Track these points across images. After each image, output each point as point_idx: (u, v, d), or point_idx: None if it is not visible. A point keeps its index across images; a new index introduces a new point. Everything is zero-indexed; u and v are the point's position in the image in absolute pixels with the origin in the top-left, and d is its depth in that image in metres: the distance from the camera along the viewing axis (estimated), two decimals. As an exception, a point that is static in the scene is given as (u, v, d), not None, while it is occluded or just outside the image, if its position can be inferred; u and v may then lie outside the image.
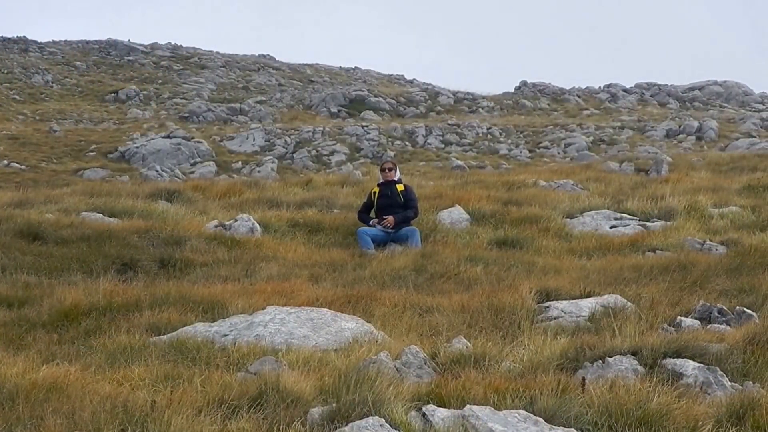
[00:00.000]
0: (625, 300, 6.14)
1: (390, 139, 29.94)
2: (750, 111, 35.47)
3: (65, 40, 51.48)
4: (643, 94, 39.68)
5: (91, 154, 26.90)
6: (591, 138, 30.03)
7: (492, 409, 3.48)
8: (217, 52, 52.94)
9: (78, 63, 45.46)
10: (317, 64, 55.29)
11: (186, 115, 34.96)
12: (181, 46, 52.52)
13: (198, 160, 26.58)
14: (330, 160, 27.37)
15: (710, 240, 8.94)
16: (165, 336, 5.20)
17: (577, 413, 3.48)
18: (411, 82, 49.58)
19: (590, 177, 14.90)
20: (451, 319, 5.76)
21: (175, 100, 38.59)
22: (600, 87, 41.03)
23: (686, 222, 9.97)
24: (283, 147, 28.73)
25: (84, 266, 7.40)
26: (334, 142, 29.19)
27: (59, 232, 8.36)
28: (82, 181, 20.52)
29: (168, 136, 28.52)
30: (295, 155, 28.00)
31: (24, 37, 49.61)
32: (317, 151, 28.28)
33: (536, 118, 35.15)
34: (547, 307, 6.13)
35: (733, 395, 3.77)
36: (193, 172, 24.71)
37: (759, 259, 7.20)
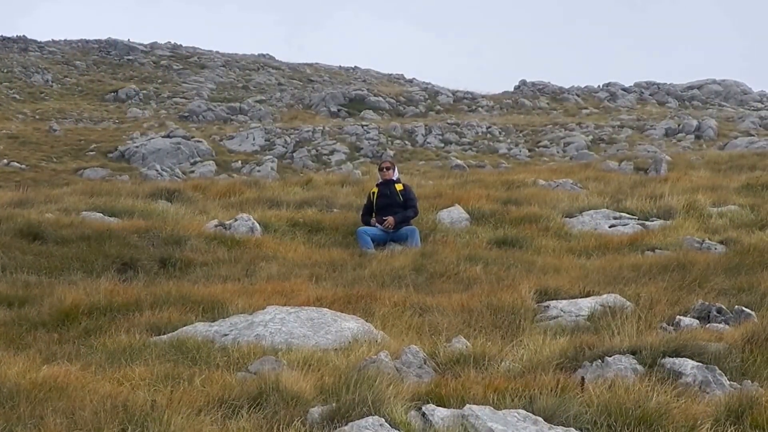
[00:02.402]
0: (625, 299, 6.16)
1: (390, 139, 29.95)
2: (749, 110, 35.49)
3: (65, 40, 51.48)
4: (642, 93, 39.69)
5: (91, 153, 26.91)
6: (590, 137, 30.05)
7: (492, 408, 3.49)
8: (217, 52, 52.95)
9: (78, 62, 45.46)
10: (317, 63, 55.29)
11: (186, 114, 34.97)
12: (180, 45, 52.53)
13: (198, 159, 26.60)
14: (330, 159, 27.39)
15: (709, 239, 8.96)
16: (165, 336, 5.21)
17: (577, 412, 3.49)
18: (410, 81, 49.58)
19: (589, 176, 14.92)
20: (450, 319, 5.78)
21: (174, 99, 38.60)
22: (599, 86, 41.04)
23: (685, 221, 9.99)
24: (283, 146, 28.74)
25: (84, 266, 7.41)
26: (334, 141, 29.20)
27: (59, 232, 8.37)
28: (82, 181, 20.53)
29: (168, 136, 28.52)
30: (295, 155, 28.02)
31: (24, 36, 49.61)
32: (317, 151, 28.29)
33: (535, 117, 35.16)
34: (547, 306, 6.15)
35: (731, 394, 3.78)
36: (193, 172, 24.72)
37: (758, 258, 7.21)
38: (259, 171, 24.68)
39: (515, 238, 9.33)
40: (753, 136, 27.60)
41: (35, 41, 48.95)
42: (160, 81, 43.21)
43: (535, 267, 7.71)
